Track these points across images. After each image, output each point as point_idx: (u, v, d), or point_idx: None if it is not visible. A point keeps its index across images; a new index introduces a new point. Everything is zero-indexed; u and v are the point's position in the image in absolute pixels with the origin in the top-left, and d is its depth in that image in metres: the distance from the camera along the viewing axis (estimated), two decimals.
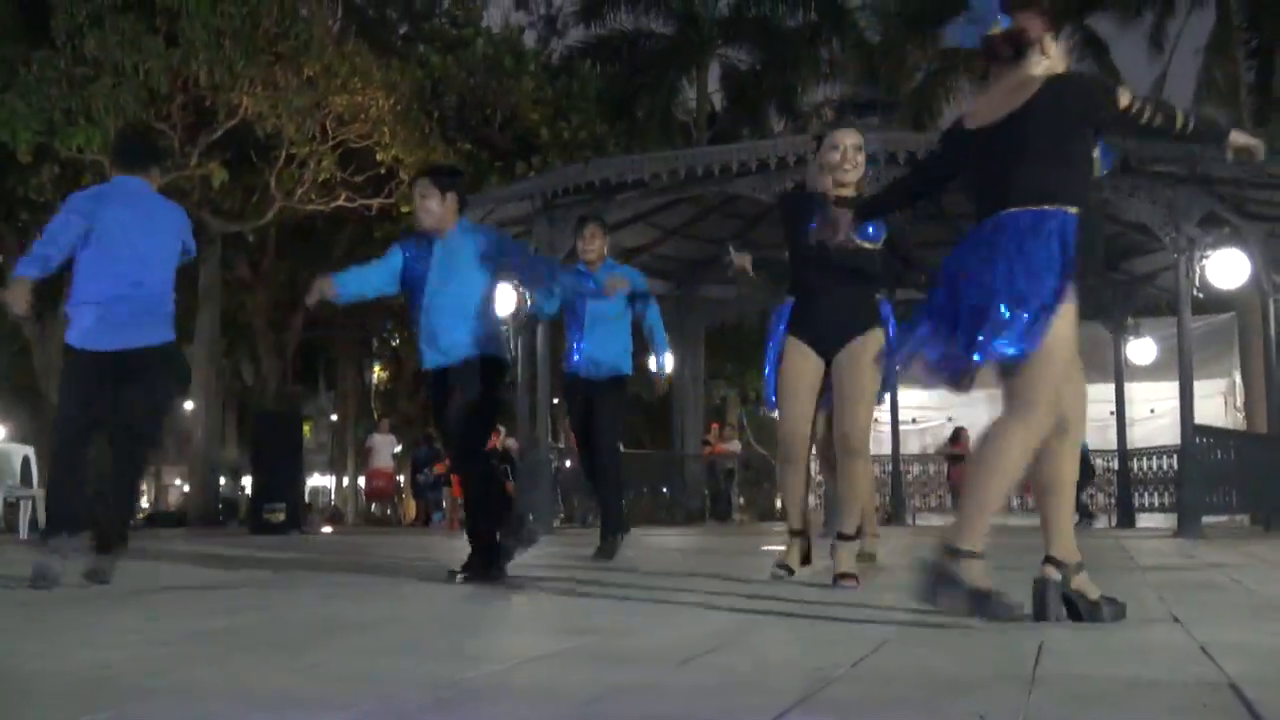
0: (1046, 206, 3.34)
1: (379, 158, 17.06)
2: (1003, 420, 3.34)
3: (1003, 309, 3.24)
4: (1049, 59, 3.52)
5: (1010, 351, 3.25)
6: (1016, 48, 3.49)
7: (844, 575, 4.68)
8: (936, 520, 18.18)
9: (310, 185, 16.82)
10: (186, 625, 3.55)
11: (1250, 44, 23.40)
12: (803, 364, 4.90)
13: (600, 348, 7.03)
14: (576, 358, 7.06)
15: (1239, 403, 18.44)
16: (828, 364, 4.89)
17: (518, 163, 19.45)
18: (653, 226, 16.26)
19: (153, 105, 15.33)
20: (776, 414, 5.09)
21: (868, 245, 4.83)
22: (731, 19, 27.78)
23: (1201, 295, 12.03)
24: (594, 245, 7.14)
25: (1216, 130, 3.67)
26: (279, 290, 22.02)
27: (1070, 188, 3.38)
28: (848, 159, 5.07)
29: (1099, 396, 17.41)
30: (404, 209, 18.02)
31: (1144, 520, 15.15)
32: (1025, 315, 3.22)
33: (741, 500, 19.49)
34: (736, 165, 12.14)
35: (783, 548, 5.55)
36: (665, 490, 18.65)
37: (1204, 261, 11.48)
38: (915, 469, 18.74)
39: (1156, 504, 15.36)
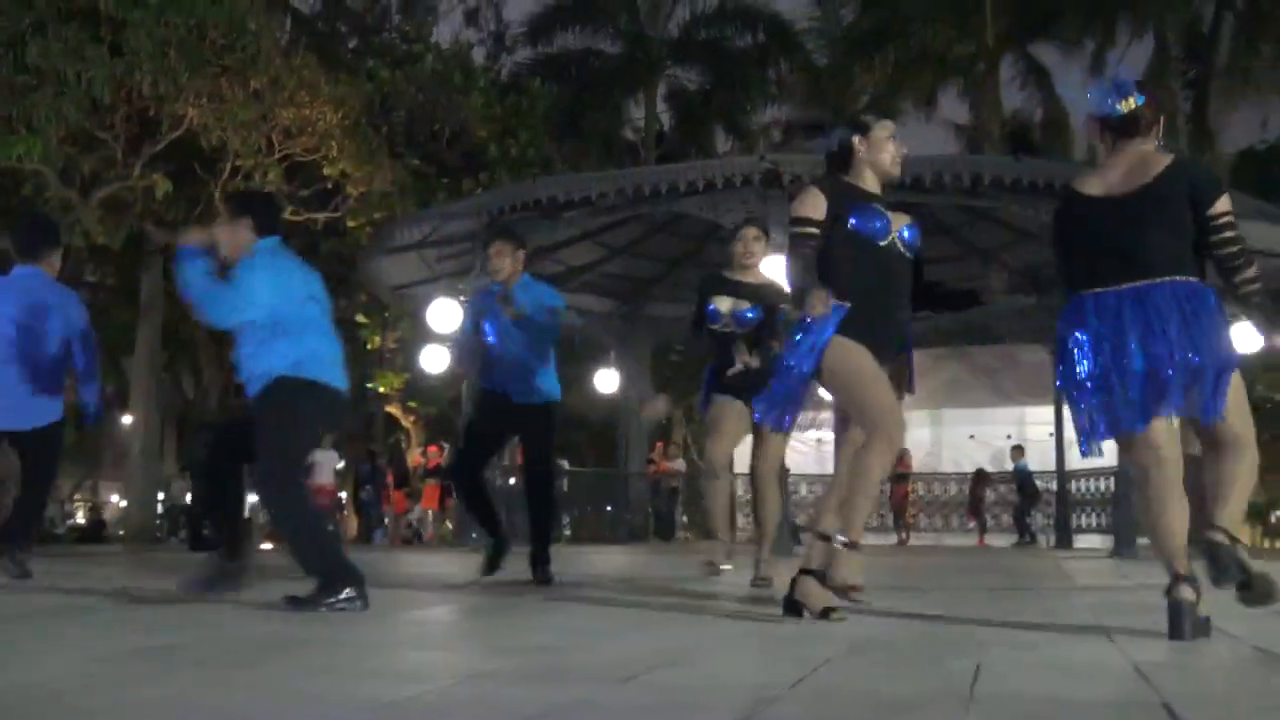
0: (1191, 279, 3.63)
1: (326, 172, 16.93)
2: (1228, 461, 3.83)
3: (1210, 374, 3.59)
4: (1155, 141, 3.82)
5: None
6: (1148, 125, 3.77)
7: (851, 587, 4.27)
8: (873, 539, 18.31)
9: None
10: (125, 643, 3.50)
11: (1187, 75, 23.92)
12: (729, 409, 6.25)
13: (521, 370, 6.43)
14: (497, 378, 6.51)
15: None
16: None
17: (465, 179, 19.40)
18: (600, 245, 16.29)
19: (95, 115, 15.13)
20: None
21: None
22: (680, 40, 27.93)
23: None
24: (502, 264, 6.53)
25: (1258, 316, 3.85)
26: None
27: (1196, 263, 3.68)
28: (748, 249, 6.38)
29: (1038, 419, 17.73)
30: (350, 223, 17.91)
31: (1081, 541, 15.36)
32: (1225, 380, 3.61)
33: (685, 519, 19.52)
34: (684, 185, 12.19)
35: (725, 567, 5.61)
36: (609, 508, 18.64)
37: None
38: None
39: (1094, 525, 15.57)
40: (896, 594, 5.73)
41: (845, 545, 4.00)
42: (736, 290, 6.29)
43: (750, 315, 6.21)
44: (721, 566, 6.40)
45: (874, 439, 4.04)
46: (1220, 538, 3.68)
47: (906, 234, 4.40)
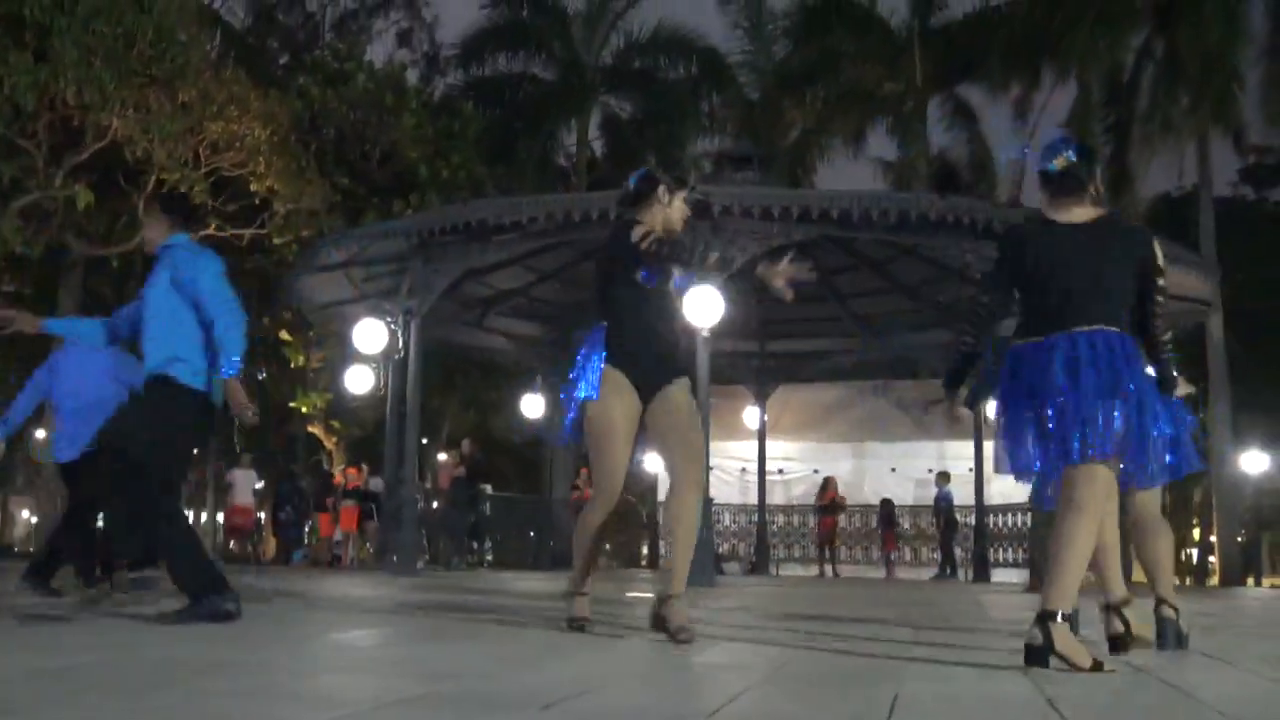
0: (1126, 332, 3.82)
1: (253, 187, 16.76)
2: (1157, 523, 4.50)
3: (1164, 429, 3.90)
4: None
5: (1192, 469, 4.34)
6: (1082, 185, 3.94)
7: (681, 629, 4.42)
8: (800, 570, 18.42)
9: None
10: (29, 663, 3.41)
11: (1107, 119, 24.49)
12: None
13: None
14: None
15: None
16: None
17: (395, 200, 19.30)
18: (529, 269, 16.27)
19: (17, 122, 14.85)
20: None
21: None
22: (614, 68, 28.07)
23: None
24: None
25: (1170, 381, 4.03)
26: None
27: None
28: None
29: (959, 454, 17.97)
30: (276, 240, 17.70)
31: (998, 575, 15.56)
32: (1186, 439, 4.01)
33: (608, 547, 19.48)
34: (615, 211, 12.22)
35: (647, 595, 5.58)
36: (532, 534, 18.56)
37: None
38: (780, 519, 18.98)
39: (1011, 560, 15.80)
40: (814, 624, 5.76)
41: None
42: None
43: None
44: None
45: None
46: (1168, 611, 4.49)
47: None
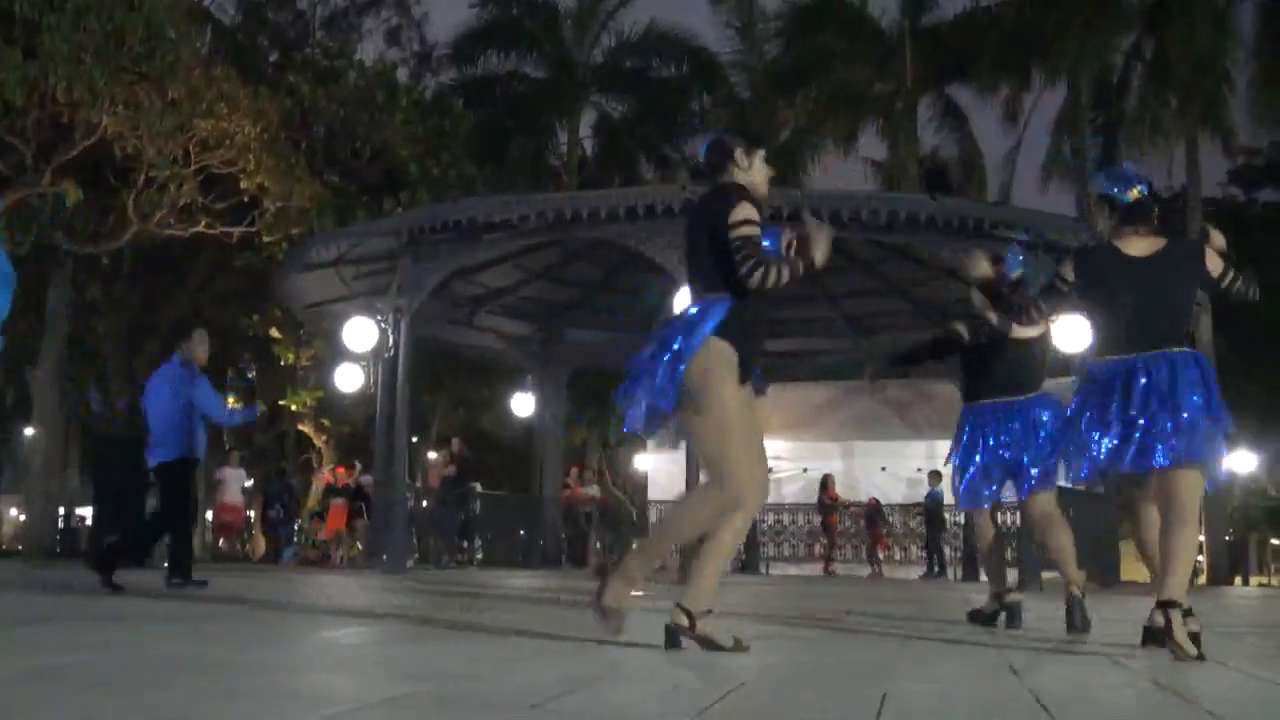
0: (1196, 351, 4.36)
1: (243, 185, 16.70)
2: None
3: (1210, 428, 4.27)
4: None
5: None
6: (1151, 215, 4.45)
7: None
8: (792, 570, 18.43)
9: (169, 210, 16.37)
10: (22, 662, 3.40)
11: (1096, 121, 24.57)
12: None
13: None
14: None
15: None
16: None
17: (385, 198, 19.26)
18: (519, 268, 16.26)
19: (6, 119, 14.79)
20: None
21: None
22: (606, 67, 28.06)
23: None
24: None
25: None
26: (132, 315, 21.34)
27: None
28: None
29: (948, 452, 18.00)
30: (266, 238, 17.65)
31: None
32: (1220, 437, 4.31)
33: (599, 544, 19.47)
34: (605, 211, 12.25)
35: (636, 593, 5.57)
36: (522, 533, 18.54)
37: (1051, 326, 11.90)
38: (770, 518, 18.98)
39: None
40: (804, 624, 5.77)
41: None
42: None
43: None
44: None
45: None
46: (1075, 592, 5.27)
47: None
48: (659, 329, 4.16)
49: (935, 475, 17.68)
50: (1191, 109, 22.77)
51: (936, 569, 17.22)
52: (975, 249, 6.04)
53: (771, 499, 19.80)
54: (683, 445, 13.13)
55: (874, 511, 18.28)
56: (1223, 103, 23.35)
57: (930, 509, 17.55)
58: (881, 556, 18.29)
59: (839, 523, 18.43)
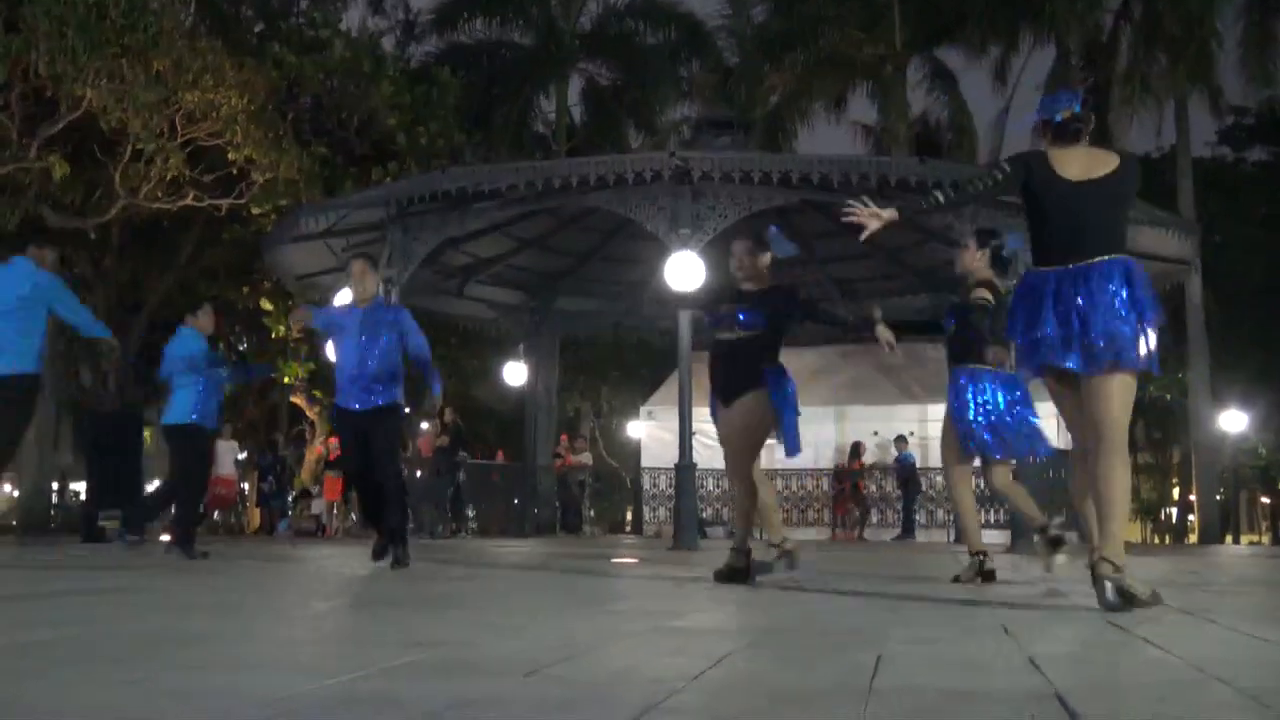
0: (1129, 259, 4.40)
1: (230, 157, 16.59)
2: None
3: (1150, 333, 4.30)
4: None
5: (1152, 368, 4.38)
6: (1086, 127, 4.64)
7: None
8: (797, 534, 18.48)
9: (157, 183, 16.27)
10: (7, 637, 3.40)
11: (1087, 81, 24.48)
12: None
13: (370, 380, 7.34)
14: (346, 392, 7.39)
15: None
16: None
17: (373, 168, 19.17)
18: (509, 237, 16.22)
19: None
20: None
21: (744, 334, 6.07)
22: (593, 34, 27.90)
23: None
24: (365, 284, 7.56)
25: None
26: (122, 290, 21.26)
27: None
28: (742, 266, 6.26)
29: (940, 416, 18.05)
30: (255, 210, 17.57)
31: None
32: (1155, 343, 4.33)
33: (592, 512, 19.54)
34: (594, 179, 12.20)
35: (631, 560, 5.62)
36: (516, 501, 18.57)
37: None
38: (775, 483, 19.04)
39: (992, 521, 15.89)
40: (798, 587, 5.79)
41: None
42: (741, 297, 6.33)
43: (744, 318, 6.20)
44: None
45: None
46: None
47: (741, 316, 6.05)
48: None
49: (902, 440, 17.85)
50: (1181, 68, 22.72)
51: (909, 533, 17.40)
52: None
53: (768, 465, 19.93)
54: (674, 413, 13.14)
55: (839, 476, 18.44)
56: (1212, 62, 23.30)
57: (902, 473, 17.72)
58: (845, 521, 18.49)
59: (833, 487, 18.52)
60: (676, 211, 12.21)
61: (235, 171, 16.92)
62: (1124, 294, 4.27)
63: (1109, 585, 4.16)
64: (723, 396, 6.16)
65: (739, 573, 6.09)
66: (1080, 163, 4.53)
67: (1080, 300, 4.29)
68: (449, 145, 20.60)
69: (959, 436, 6.27)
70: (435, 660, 2.91)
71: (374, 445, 7.01)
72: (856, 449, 18.38)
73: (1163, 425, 36.08)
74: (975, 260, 6.26)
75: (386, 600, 4.83)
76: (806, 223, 15.78)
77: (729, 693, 2.46)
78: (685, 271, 11.23)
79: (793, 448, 6.14)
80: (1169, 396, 31.27)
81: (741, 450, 6.15)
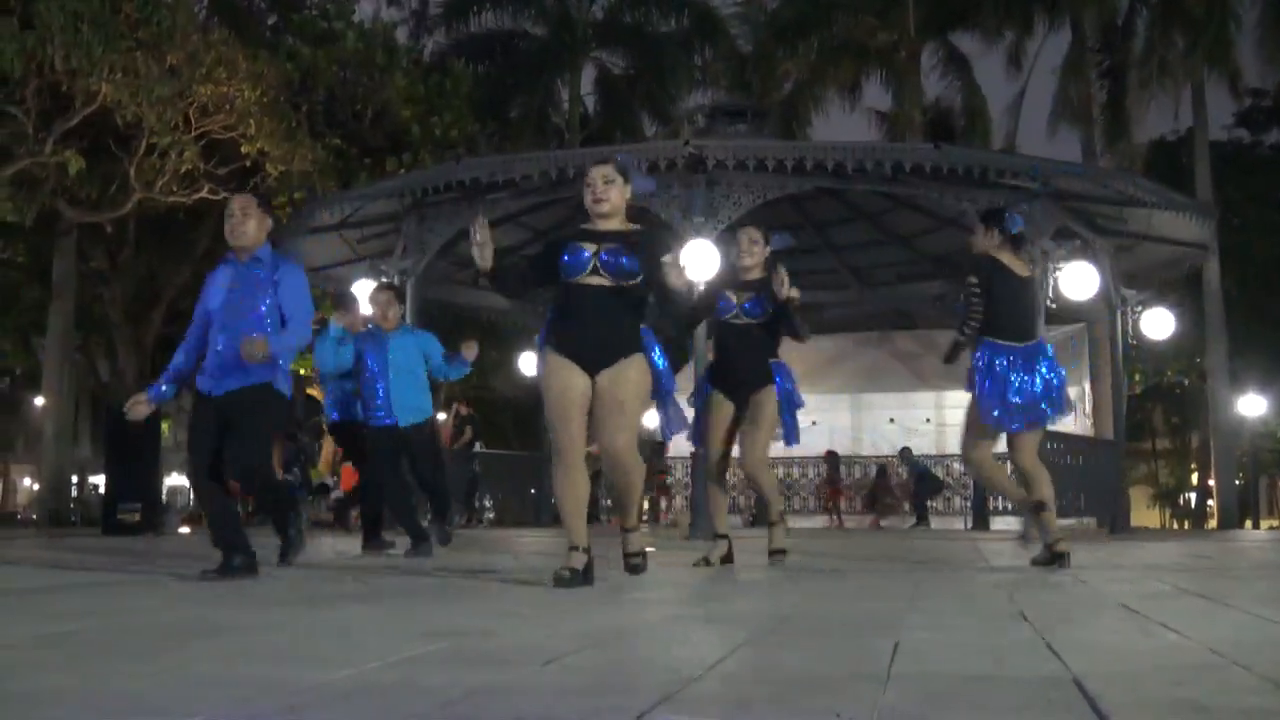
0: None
1: (244, 150, 16.63)
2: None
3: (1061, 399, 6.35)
4: None
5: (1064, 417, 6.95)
6: (1026, 245, 6.68)
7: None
8: (803, 522, 18.49)
9: (172, 176, 16.32)
10: (33, 629, 3.43)
11: (1103, 65, 24.34)
12: (726, 408, 6.50)
13: (404, 395, 7.83)
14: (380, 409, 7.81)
15: (1088, 410, 19.17)
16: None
17: (388, 160, 19.18)
18: (523, 227, 16.21)
19: (4, 89, 14.73)
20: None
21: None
22: (606, 22, 27.84)
23: (1055, 306, 12.46)
24: (390, 312, 8.01)
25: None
26: (138, 283, 21.35)
27: None
28: (749, 254, 6.55)
29: (956, 403, 17.96)
30: (270, 203, 17.59)
31: (997, 523, 15.62)
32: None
33: (608, 502, 19.54)
34: None
35: (648, 549, 5.62)
36: (533, 491, 18.58)
37: (1057, 274, 11.88)
38: (780, 471, 19.00)
39: (1009, 507, 15.82)
40: (816, 575, 5.80)
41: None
42: (745, 286, 6.46)
43: (758, 310, 6.36)
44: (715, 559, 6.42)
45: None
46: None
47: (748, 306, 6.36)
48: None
49: (907, 450, 17.94)
50: (1199, 50, 22.55)
51: (922, 522, 17.41)
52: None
53: (780, 453, 19.91)
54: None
55: (833, 465, 18.40)
56: (1230, 43, 23.12)
57: (916, 471, 17.76)
58: (844, 508, 18.51)
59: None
60: (691, 200, 12.19)
61: (250, 164, 16.96)
62: (1047, 370, 6.17)
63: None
64: (736, 388, 6.37)
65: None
66: (1020, 264, 6.31)
67: (1028, 376, 6.12)
68: (463, 136, 20.61)
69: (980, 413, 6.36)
70: (451, 650, 2.93)
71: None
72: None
73: (1181, 410, 35.94)
74: (987, 241, 6.34)
75: (407, 591, 4.85)
76: (821, 209, 15.75)
77: (747, 680, 2.47)
78: (701, 260, 11.21)
79: (791, 439, 6.52)
80: (1187, 381, 31.16)
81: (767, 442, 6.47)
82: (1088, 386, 19.31)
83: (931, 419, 18.16)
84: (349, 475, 18.71)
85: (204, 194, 16.83)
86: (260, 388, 5.46)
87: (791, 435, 6.49)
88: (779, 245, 6.50)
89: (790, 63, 26.84)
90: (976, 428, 6.31)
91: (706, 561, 6.30)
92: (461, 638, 3.21)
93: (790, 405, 6.40)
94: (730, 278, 6.60)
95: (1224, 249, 21.15)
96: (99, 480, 22.48)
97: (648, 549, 5.69)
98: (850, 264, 17.81)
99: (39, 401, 21.51)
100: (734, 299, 6.39)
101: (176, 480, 36.54)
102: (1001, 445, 6.72)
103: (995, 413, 6.12)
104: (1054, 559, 6.07)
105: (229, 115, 16.12)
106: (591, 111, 29.15)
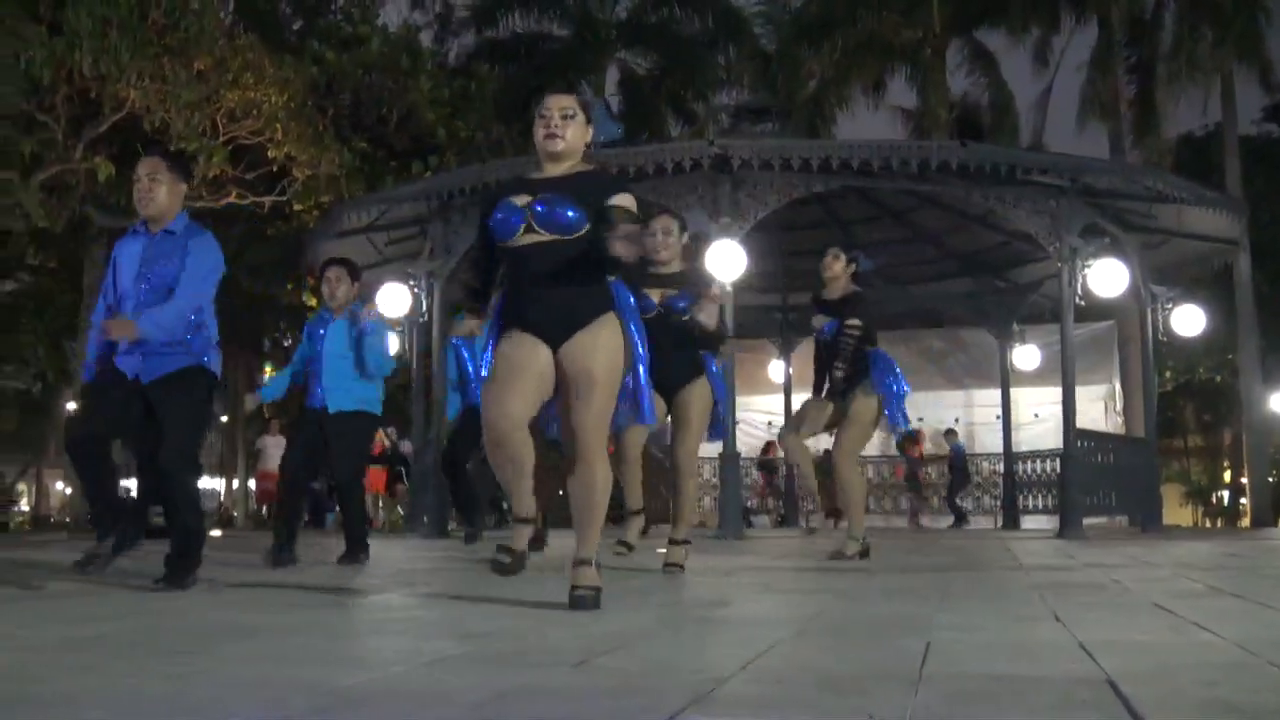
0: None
1: (271, 154, 16.73)
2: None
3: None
4: None
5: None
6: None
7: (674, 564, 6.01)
8: (830, 521, 18.43)
9: (200, 181, 16.43)
10: (64, 631, 3.45)
11: (1130, 60, 24.16)
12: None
13: (336, 381, 7.11)
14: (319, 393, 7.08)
15: (1118, 407, 19.05)
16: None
17: (414, 163, 19.26)
18: None
19: (35, 96, 14.87)
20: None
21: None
22: (630, 23, 27.85)
23: (1083, 303, 12.37)
24: (339, 290, 7.44)
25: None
26: None
27: None
28: (661, 244, 6.11)
29: (986, 401, 17.94)
30: (297, 207, 17.70)
31: (1028, 522, 15.55)
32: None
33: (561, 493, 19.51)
34: (633, 168, 12.16)
35: (662, 551, 5.64)
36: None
37: (1085, 271, 11.78)
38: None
39: (1040, 506, 15.78)
40: (845, 574, 5.78)
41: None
42: (663, 281, 6.00)
43: (683, 304, 5.92)
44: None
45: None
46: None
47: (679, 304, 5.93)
48: None
49: (952, 433, 17.76)
50: (1228, 43, 22.35)
51: (961, 521, 17.23)
52: None
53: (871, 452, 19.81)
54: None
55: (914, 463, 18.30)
56: (1260, 36, 22.91)
57: (956, 462, 17.61)
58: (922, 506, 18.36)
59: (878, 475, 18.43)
60: (717, 200, 12.17)
61: (277, 169, 17.06)
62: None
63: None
64: (666, 385, 5.77)
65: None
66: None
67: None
68: (489, 138, 20.66)
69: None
70: (479, 652, 2.93)
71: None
72: (915, 436, 18.18)
73: (1213, 407, 35.62)
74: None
75: (437, 592, 4.87)
76: (848, 208, 15.70)
77: (777, 681, 2.46)
78: (728, 260, 11.19)
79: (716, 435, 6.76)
80: (1219, 378, 30.88)
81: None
82: (1118, 384, 19.18)
83: (960, 418, 18.07)
84: (376, 477, 18.79)
85: (232, 198, 16.94)
86: (188, 371, 5.02)
87: (718, 431, 6.42)
88: (865, 268, 7.30)
89: (814, 61, 26.74)
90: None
91: (627, 545, 6.28)
92: (489, 639, 3.21)
93: (719, 397, 6.32)
94: (642, 273, 5.50)
95: (1254, 244, 20.93)
96: (130, 484, 22.62)
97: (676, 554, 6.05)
98: (877, 262, 17.72)
99: (70, 406, 21.66)
100: (654, 298, 5.85)
101: (207, 483, 36.82)
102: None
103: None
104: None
105: (256, 120, 16.22)
106: (616, 112, 29.09)
